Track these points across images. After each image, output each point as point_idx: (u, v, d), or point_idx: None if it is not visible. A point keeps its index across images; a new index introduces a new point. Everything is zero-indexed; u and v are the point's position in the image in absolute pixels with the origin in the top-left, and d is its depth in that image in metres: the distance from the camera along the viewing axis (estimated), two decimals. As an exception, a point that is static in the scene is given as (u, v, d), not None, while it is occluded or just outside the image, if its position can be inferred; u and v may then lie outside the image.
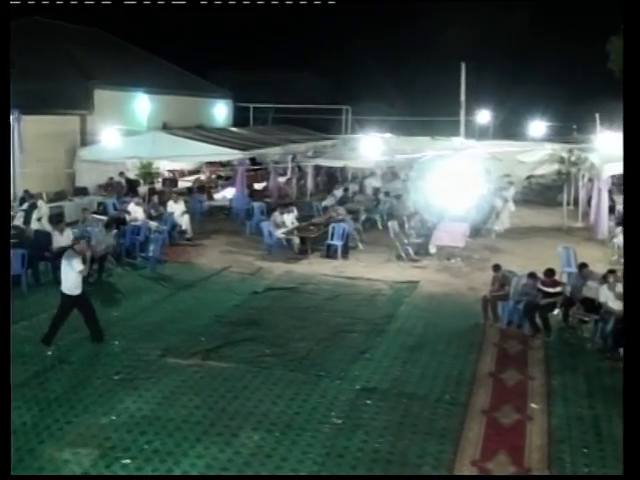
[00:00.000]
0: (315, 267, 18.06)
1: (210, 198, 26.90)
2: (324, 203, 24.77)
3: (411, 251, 19.26)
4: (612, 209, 23.47)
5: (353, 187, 28.85)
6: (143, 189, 25.33)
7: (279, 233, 19.66)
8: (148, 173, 26.04)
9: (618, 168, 22.95)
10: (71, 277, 11.78)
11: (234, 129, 35.67)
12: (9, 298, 7.11)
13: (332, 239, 19.32)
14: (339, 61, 59.12)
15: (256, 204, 23.78)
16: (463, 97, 31.28)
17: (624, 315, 7.33)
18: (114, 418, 9.21)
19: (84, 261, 12.11)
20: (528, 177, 32.97)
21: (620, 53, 35.71)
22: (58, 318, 11.94)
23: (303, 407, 9.75)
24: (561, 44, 56.44)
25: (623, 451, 5.80)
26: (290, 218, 20.43)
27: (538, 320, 12.97)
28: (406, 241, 19.62)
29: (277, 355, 11.72)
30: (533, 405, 9.99)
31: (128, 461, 8.21)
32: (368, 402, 9.93)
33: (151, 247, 17.93)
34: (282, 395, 10.09)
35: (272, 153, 29.37)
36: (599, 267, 14.53)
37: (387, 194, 26.26)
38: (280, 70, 57.46)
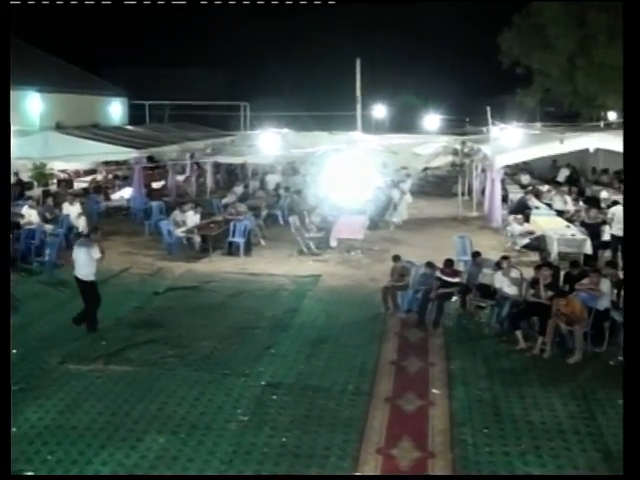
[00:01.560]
0: (217, 265, 17.94)
1: (107, 199, 26.27)
2: (224, 200, 24.61)
3: (312, 245, 19.38)
4: (505, 198, 24.30)
5: (253, 183, 28.81)
6: (37, 191, 24.51)
7: (179, 232, 19.42)
8: (42, 174, 25.22)
9: (509, 159, 23.82)
10: (87, 264, 12.58)
11: (130, 127, 35.03)
12: (9, 297, 6.99)
13: (233, 236, 19.22)
14: (236, 57, 58.91)
15: (154, 203, 23.39)
16: (359, 92, 31.71)
17: (624, 315, 7.46)
18: (14, 430, 8.87)
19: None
20: (424, 169, 33.79)
21: (510, 46, 36.95)
22: (93, 304, 12.70)
23: (208, 407, 9.68)
24: (453, 38, 57.92)
25: (623, 451, 5.95)
26: (190, 216, 20.20)
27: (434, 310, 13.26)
28: (307, 235, 19.73)
29: (180, 356, 11.58)
30: (434, 390, 10.22)
31: (31, 473, 7.96)
32: (274, 397, 9.95)
33: (47, 251, 17.34)
34: (187, 396, 9.98)
35: (170, 151, 29.00)
36: (494, 254, 15.04)
37: (287, 189, 26.33)
38: (177, 67, 56.78)
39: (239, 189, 26.52)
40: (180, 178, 30.74)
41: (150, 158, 28.43)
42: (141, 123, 38.74)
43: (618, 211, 17.92)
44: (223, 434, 8.87)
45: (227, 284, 16.09)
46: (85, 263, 12.65)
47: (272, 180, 28.77)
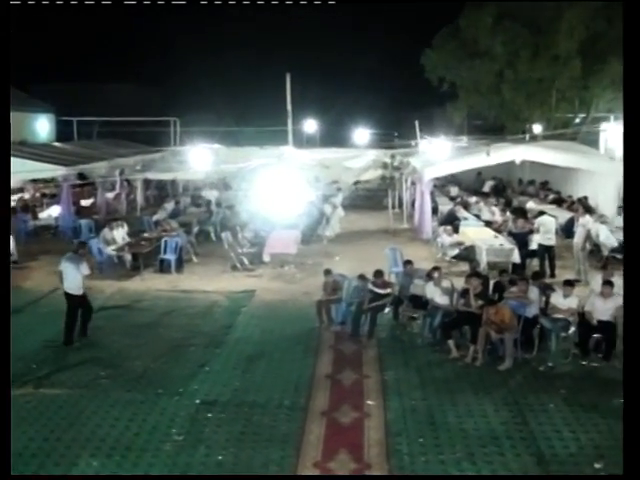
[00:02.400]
0: (149, 283, 17.69)
1: (35, 217, 25.62)
2: (155, 217, 24.30)
3: (246, 261, 19.31)
4: (434, 210, 24.67)
5: (184, 199, 28.56)
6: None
7: (109, 250, 19.09)
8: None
9: (438, 171, 24.22)
10: (77, 279, 13.00)
11: (57, 144, 34.33)
12: (9, 297, 6.77)
13: (165, 253, 18.99)
14: (166, 73, 58.41)
15: (84, 221, 22.97)
16: (290, 107, 31.81)
17: (624, 319, 7.54)
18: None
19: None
20: (355, 183, 34.05)
21: (434, 65, 37.67)
22: (70, 319, 12.99)
23: (143, 427, 9.51)
24: (383, 54, 58.68)
25: (623, 451, 5.99)
26: (120, 234, 19.87)
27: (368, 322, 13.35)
28: (240, 251, 19.64)
29: (113, 376, 11.36)
30: (369, 402, 10.27)
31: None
32: (209, 415, 9.84)
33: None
34: (120, 417, 9.78)
35: (99, 168, 28.51)
36: (425, 265, 15.21)
37: (219, 205, 26.18)
38: (105, 82, 55.99)
39: (170, 205, 26.24)
40: (110, 195, 30.26)
41: (79, 175, 27.90)
42: (69, 140, 38.03)
43: (544, 221, 18.40)
44: (158, 455, 8.73)
45: (159, 302, 15.88)
46: (74, 278, 13.02)
47: (205, 196, 28.54)
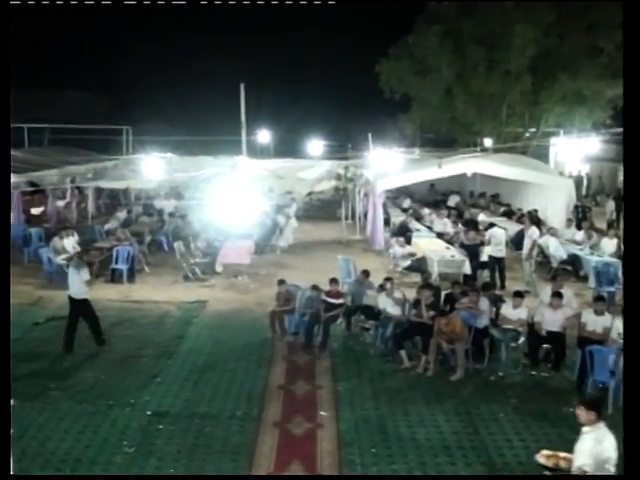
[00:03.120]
0: (100, 292, 17.41)
1: (-18, 226, 25.08)
2: (107, 226, 23.99)
3: (198, 271, 19.18)
4: (387, 221, 24.85)
5: (137, 209, 28.26)
6: None
7: (59, 259, 18.77)
8: None
9: (391, 183, 24.40)
10: (78, 284, 13.19)
11: (7, 152, 33.62)
12: (9, 297, 6.68)
13: (116, 263, 18.77)
14: (119, 82, 57.81)
15: (33, 230, 22.52)
16: (243, 117, 31.71)
17: (624, 326, 7.68)
18: None
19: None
20: (309, 193, 34.10)
21: (389, 74, 37.94)
22: (71, 324, 13.15)
23: (93, 439, 9.35)
24: (336, 64, 58.93)
25: (623, 451, 6.02)
26: (71, 243, 19.56)
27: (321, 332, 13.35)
28: (193, 261, 19.50)
29: (63, 388, 11.16)
30: (322, 413, 10.27)
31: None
32: (160, 427, 9.73)
33: None
34: (70, 429, 9.61)
35: (50, 175, 28.05)
36: (377, 276, 15.28)
37: (172, 215, 25.98)
38: (58, 89, 55.15)
39: (122, 214, 25.93)
40: (60, 204, 29.78)
41: (29, 183, 27.40)
42: (19, 147, 37.31)
43: (495, 233, 18.67)
44: (109, 467, 8.60)
45: (110, 312, 15.65)
46: (75, 283, 13.23)
47: (169, 206, 28.14)
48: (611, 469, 6.43)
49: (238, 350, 13.16)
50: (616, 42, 35.00)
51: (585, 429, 6.77)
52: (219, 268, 19.52)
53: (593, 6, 34.67)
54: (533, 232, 18.47)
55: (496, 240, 18.40)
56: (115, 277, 18.67)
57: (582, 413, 6.76)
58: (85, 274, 13.36)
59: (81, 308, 13.27)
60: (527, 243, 18.28)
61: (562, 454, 6.93)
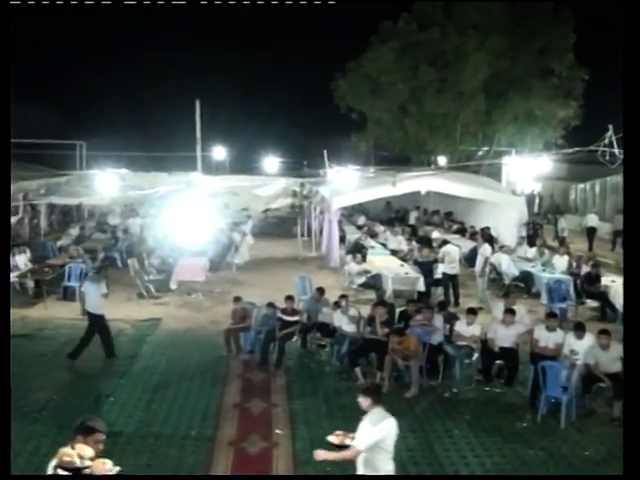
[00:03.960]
0: (52, 311, 17.14)
1: None
2: (59, 243, 23.65)
3: (152, 288, 19.00)
4: (342, 239, 24.93)
5: (90, 225, 27.90)
6: None
7: (13, 277, 18.41)
8: None
9: (346, 200, 24.54)
10: (96, 298, 13.50)
11: (-45, 167, 32.98)
12: (9, 299, 6.76)
13: (69, 280, 18.49)
14: (71, 97, 57.14)
15: (-17, 247, 22.07)
16: (198, 133, 31.65)
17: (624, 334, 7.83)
18: None
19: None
20: (264, 210, 34.04)
21: (344, 91, 38.17)
22: (87, 335, 13.42)
23: (45, 462, 9.07)
24: (292, 82, 59.11)
25: (623, 451, 6.09)
26: (23, 260, 19.22)
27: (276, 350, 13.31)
28: (147, 278, 19.31)
29: (13, 409, 10.79)
30: (278, 431, 10.22)
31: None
32: (113, 447, 9.56)
33: None
34: (21, 451, 9.37)
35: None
36: (333, 293, 15.31)
37: (126, 231, 25.70)
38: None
39: (75, 231, 25.59)
40: (13, 220, 29.26)
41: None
42: (-33, 162, 36.61)
43: (449, 250, 18.86)
44: (59, 489, 8.41)
45: (63, 331, 15.39)
46: (94, 297, 13.52)
47: (135, 225, 27.68)
48: (389, 448, 7.23)
49: (192, 369, 13.05)
50: (567, 64, 35.88)
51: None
52: (173, 286, 19.37)
53: (544, 29, 35.51)
54: (486, 249, 18.72)
55: (450, 257, 18.58)
56: (67, 295, 18.38)
57: (361, 400, 7.45)
58: (103, 288, 13.70)
59: (99, 322, 13.49)
60: (480, 260, 18.51)
61: (351, 434, 7.44)
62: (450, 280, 18.39)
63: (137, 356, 13.77)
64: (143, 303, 18.22)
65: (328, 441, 7.63)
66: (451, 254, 18.71)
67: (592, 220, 29.31)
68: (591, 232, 28.68)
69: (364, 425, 7.29)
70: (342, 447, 7.37)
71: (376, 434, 7.17)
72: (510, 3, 35.95)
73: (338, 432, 7.67)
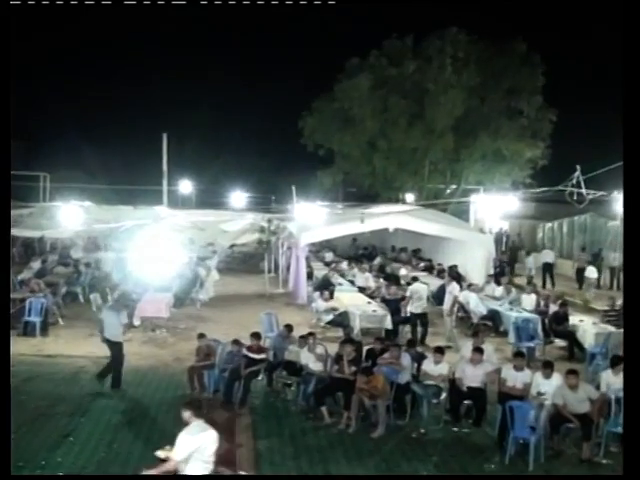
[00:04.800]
0: (12, 347, 16.83)
1: None
2: (20, 276, 23.29)
3: (115, 324, 18.76)
4: (310, 275, 24.96)
5: (52, 258, 27.59)
6: None
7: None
8: None
9: (314, 237, 24.63)
10: (116, 327, 13.94)
11: None
12: (9, 301, 6.45)
13: (29, 315, 18.21)
14: (35, 128, 56.82)
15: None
16: (165, 166, 31.65)
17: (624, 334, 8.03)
18: None
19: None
20: (231, 246, 34.02)
21: (312, 129, 38.47)
22: (119, 362, 13.90)
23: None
24: (260, 117, 59.47)
25: (623, 451, 6.09)
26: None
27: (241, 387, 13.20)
28: (110, 314, 19.07)
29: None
30: (242, 472, 10.08)
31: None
32: (72, 489, 9.40)
33: None
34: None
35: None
36: (300, 330, 15.27)
37: (89, 265, 25.44)
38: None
39: (36, 264, 25.24)
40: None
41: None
42: None
43: (417, 288, 18.96)
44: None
45: (21, 367, 15.08)
46: (114, 326, 13.93)
47: (108, 259, 27.36)
48: (206, 458, 7.98)
49: (155, 407, 12.89)
50: (536, 105, 36.62)
51: None
52: (137, 322, 19.16)
53: (514, 70, 36.27)
54: (454, 288, 18.86)
55: (418, 295, 18.66)
56: (27, 330, 18.10)
57: (183, 413, 8.21)
58: (124, 317, 14.26)
59: (116, 349, 13.88)
60: (448, 298, 18.64)
61: None
62: (418, 318, 18.46)
63: (98, 394, 13.52)
64: (105, 339, 17.97)
65: (156, 455, 8.15)
66: (419, 292, 18.80)
67: (548, 256, 29.72)
68: (547, 268, 29.03)
69: (181, 436, 7.87)
70: (164, 459, 7.96)
71: (193, 444, 7.83)
72: (480, 40, 36.74)
73: (168, 447, 8.18)
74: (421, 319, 18.46)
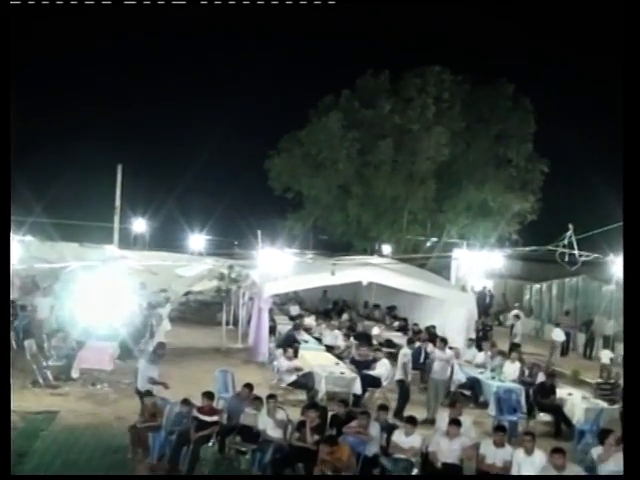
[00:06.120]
0: None
1: None
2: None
3: (50, 376, 18.48)
4: (272, 330, 24.81)
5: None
6: None
7: None
8: None
9: (279, 287, 24.55)
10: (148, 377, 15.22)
11: None
12: (9, 304, 6.34)
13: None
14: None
15: None
16: (118, 201, 31.52)
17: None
18: None
19: None
20: (186, 293, 33.78)
21: (279, 171, 38.64)
22: None
23: None
24: (224, 159, 59.73)
25: (623, 451, 6.03)
26: None
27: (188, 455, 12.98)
28: (45, 364, 18.80)
29: None
30: None
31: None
32: None
33: None
34: None
35: None
36: (259, 391, 15.13)
37: (24, 308, 25.04)
38: None
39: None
40: None
41: None
42: None
43: (406, 352, 18.69)
44: None
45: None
46: (145, 376, 15.31)
47: (46, 305, 26.82)
48: None
49: (90, 472, 12.63)
50: (525, 154, 37.08)
51: None
52: (75, 374, 18.88)
53: (503, 114, 36.75)
54: (445, 353, 18.73)
55: (405, 359, 18.43)
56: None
57: None
58: (155, 371, 15.59)
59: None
60: (439, 365, 18.46)
61: None
62: (400, 386, 18.14)
63: (27, 454, 13.22)
64: (38, 392, 17.69)
65: None
66: (407, 356, 18.60)
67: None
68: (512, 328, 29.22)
69: None
70: None
71: None
72: (466, 80, 37.34)
73: None
74: (402, 387, 18.12)
